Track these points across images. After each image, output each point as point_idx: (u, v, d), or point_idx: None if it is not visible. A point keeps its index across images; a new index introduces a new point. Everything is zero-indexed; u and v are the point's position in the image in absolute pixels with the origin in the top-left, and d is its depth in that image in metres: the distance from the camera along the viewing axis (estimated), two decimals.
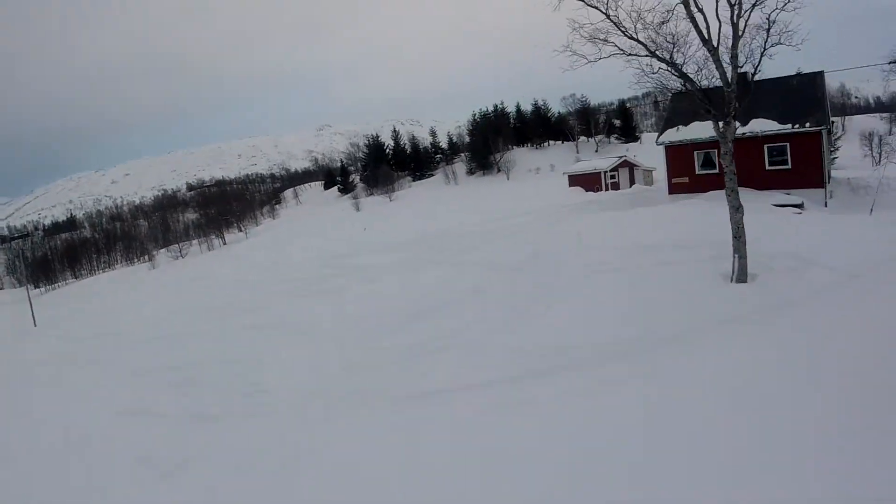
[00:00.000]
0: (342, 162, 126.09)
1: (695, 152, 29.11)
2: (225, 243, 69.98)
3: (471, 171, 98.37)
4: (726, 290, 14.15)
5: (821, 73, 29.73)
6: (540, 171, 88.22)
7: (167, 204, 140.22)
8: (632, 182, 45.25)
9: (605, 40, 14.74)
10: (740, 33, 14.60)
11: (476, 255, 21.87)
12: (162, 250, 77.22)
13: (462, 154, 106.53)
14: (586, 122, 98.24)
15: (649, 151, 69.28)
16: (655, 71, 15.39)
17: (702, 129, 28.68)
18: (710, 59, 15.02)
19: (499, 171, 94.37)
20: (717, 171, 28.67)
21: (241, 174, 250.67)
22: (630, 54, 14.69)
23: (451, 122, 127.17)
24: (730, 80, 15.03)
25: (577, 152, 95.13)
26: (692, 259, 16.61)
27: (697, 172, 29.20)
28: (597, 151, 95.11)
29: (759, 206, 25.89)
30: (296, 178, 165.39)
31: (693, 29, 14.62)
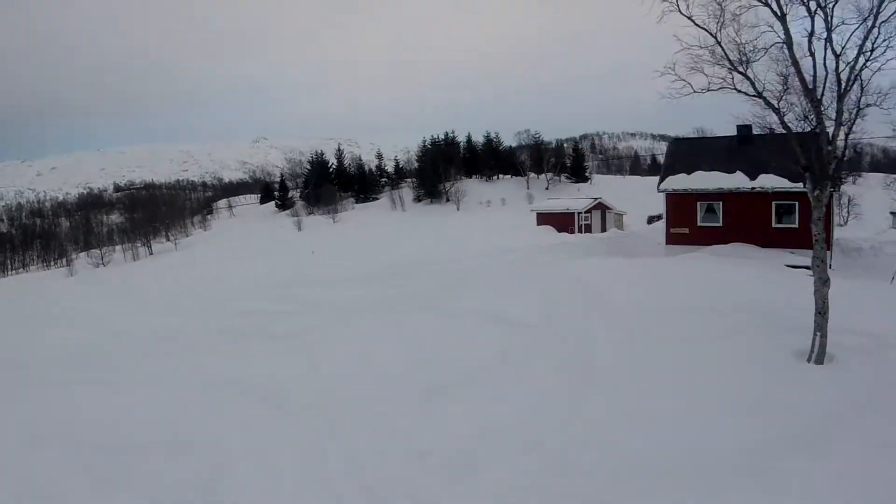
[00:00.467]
0: (282, 176, 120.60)
1: (698, 203, 27.01)
2: (151, 253, 63.70)
3: (418, 199, 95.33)
4: (809, 375, 11.54)
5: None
6: (491, 204, 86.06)
7: (92, 203, 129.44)
8: (604, 225, 43.25)
9: (702, 71, 12.15)
10: (848, 87, 12.22)
11: (469, 301, 18.23)
12: (82, 254, 69.61)
13: (409, 180, 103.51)
14: (538, 158, 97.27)
15: (601, 193, 68.47)
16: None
17: (706, 179, 26.87)
18: (811, 109, 12.51)
19: (448, 200, 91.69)
20: (720, 224, 26.78)
21: (172, 179, 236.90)
22: (738, 90, 12.01)
23: (390, 147, 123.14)
24: (831, 137, 12.55)
25: (528, 188, 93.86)
26: (744, 329, 13.95)
27: (699, 224, 27.07)
28: (547, 189, 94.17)
29: (772, 265, 24.14)
30: (230, 189, 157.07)
31: (795, 74, 12.14)
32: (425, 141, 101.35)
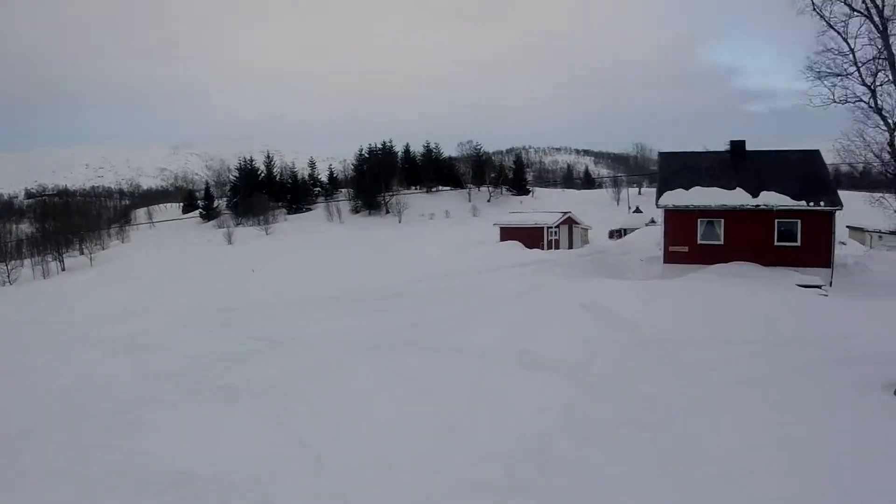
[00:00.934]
0: (207, 184, 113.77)
1: (698, 220, 25.18)
2: (64, 269, 57.09)
3: (356, 210, 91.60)
4: None
5: (818, 152, 28.06)
6: (435, 216, 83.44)
7: (2, 211, 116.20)
8: (571, 241, 41.28)
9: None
10: None
11: (484, 335, 15.06)
12: None
13: (345, 190, 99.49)
14: (480, 170, 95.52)
15: (544, 206, 67.24)
16: None
17: (706, 195, 25.18)
18: None
19: (388, 212, 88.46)
20: (721, 242, 25.08)
21: (86, 185, 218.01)
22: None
23: (320, 157, 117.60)
24: None
25: (470, 201, 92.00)
26: (818, 363, 12.15)
27: (699, 242, 25.25)
28: (489, 201, 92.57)
29: (782, 286, 22.62)
30: (149, 197, 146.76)
31: None
32: (362, 150, 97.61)
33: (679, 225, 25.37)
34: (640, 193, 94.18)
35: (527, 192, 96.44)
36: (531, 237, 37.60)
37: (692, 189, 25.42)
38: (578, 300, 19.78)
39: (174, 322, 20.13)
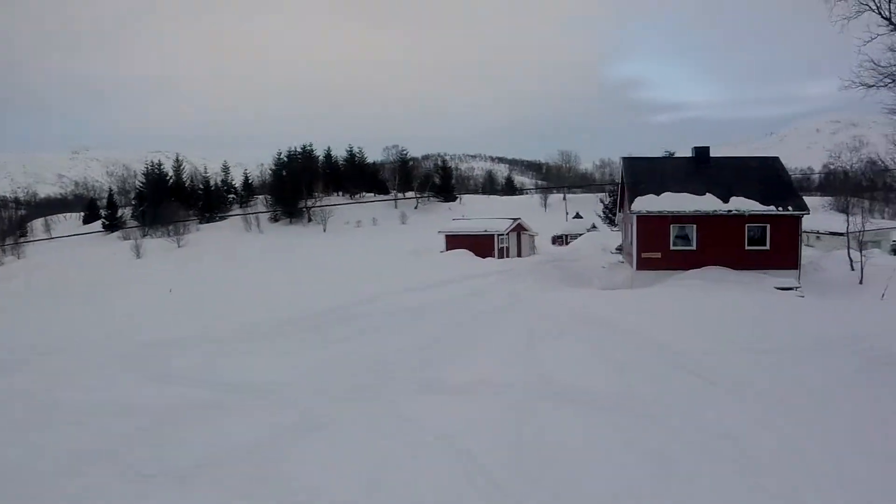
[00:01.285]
0: (110, 191, 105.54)
1: (671, 226, 24.39)
2: None
3: (275, 219, 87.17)
4: None
5: (777, 159, 28.39)
6: (362, 224, 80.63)
7: None
8: (520, 249, 39.96)
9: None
10: None
11: (483, 365, 12.87)
12: None
13: (262, 197, 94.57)
14: (406, 176, 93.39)
15: (472, 213, 66.07)
16: None
17: (679, 201, 24.64)
18: None
19: (310, 220, 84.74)
20: (693, 247, 24.42)
21: None
22: None
23: (231, 163, 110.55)
24: None
25: (396, 207, 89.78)
26: (855, 368, 11.77)
27: (672, 248, 24.48)
28: (416, 208, 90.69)
29: (762, 288, 22.34)
30: (47, 206, 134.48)
31: None
32: (280, 154, 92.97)
33: (652, 231, 24.55)
34: (564, 199, 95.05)
35: (454, 199, 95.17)
36: (481, 245, 35.97)
37: (663, 195, 24.76)
38: (572, 314, 18.32)
39: (85, 364, 14.27)
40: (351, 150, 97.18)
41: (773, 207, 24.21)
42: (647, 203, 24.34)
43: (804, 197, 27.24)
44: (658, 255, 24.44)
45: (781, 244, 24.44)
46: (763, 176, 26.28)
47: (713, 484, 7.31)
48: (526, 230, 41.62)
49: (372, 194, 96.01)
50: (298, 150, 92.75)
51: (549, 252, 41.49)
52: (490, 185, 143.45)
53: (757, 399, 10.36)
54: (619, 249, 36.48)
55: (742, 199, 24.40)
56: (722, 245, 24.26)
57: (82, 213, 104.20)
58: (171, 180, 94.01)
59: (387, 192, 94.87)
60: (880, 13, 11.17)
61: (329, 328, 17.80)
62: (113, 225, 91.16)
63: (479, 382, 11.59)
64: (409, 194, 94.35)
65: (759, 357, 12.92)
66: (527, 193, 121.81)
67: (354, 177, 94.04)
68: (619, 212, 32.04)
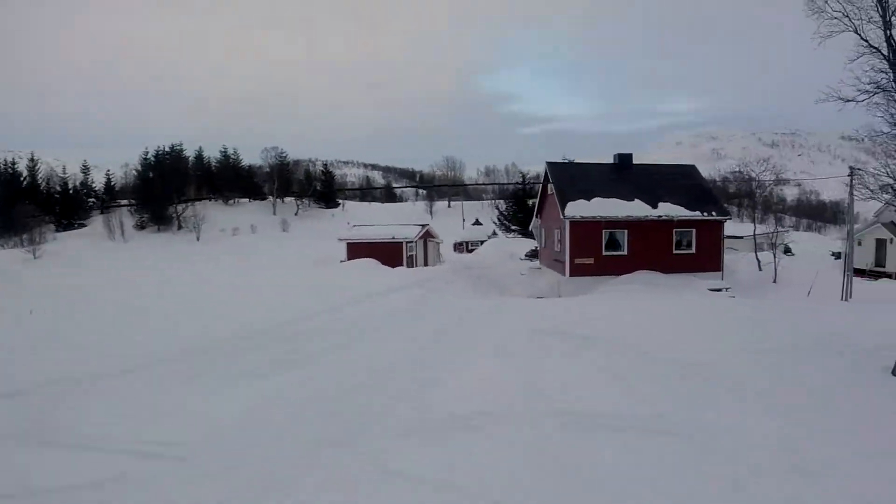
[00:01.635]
0: None
1: (603, 231, 23.94)
2: None
3: (142, 226, 79.34)
4: None
5: (694, 167, 29.25)
6: (239, 231, 75.41)
7: None
8: (427, 257, 38.31)
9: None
10: None
11: (477, 397, 10.33)
12: None
13: (125, 201, 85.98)
14: (285, 180, 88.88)
15: (357, 220, 63.75)
16: None
17: (610, 207, 24.37)
18: None
19: (180, 227, 78.10)
20: (625, 252, 24.13)
21: None
22: None
23: (90, 160, 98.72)
24: None
25: (275, 213, 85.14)
26: (855, 366, 11.55)
27: (604, 254, 24.03)
28: (297, 214, 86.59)
29: (696, 290, 22.47)
30: None
31: None
32: (147, 153, 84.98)
33: (584, 237, 24.00)
34: (449, 206, 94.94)
35: (337, 205, 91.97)
36: (389, 253, 33.94)
37: (593, 200, 24.32)
38: (541, 328, 16.91)
39: None
40: (225, 151, 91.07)
41: (698, 213, 24.58)
42: (579, 208, 23.78)
43: None
44: (591, 260, 23.95)
45: (706, 248, 24.95)
46: (684, 183, 26.80)
47: None
48: (433, 237, 40.16)
49: (248, 200, 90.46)
50: (167, 149, 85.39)
51: (454, 260, 40.25)
52: (367, 191, 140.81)
53: (756, 399, 9.65)
54: (532, 255, 35.93)
55: (670, 204, 24.55)
56: (651, 249, 24.30)
57: None
58: (26, 181, 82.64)
59: (264, 198, 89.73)
60: (859, 34, 11.56)
61: (257, 355, 13.53)
62: None
63: (474, 417, 9.49)
64: (288, 200, 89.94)
65: (762, 358, 12.34)
66: (409, 200, 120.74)
67: (229, 180, 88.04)
68: (537, 217, 31.45)
